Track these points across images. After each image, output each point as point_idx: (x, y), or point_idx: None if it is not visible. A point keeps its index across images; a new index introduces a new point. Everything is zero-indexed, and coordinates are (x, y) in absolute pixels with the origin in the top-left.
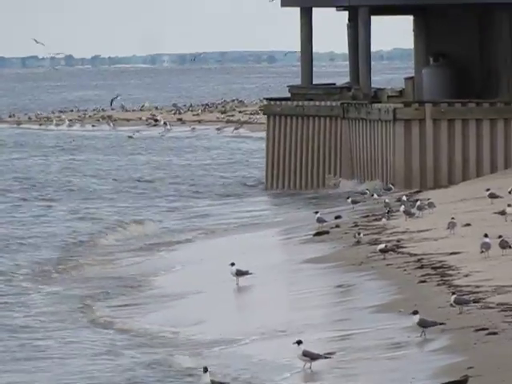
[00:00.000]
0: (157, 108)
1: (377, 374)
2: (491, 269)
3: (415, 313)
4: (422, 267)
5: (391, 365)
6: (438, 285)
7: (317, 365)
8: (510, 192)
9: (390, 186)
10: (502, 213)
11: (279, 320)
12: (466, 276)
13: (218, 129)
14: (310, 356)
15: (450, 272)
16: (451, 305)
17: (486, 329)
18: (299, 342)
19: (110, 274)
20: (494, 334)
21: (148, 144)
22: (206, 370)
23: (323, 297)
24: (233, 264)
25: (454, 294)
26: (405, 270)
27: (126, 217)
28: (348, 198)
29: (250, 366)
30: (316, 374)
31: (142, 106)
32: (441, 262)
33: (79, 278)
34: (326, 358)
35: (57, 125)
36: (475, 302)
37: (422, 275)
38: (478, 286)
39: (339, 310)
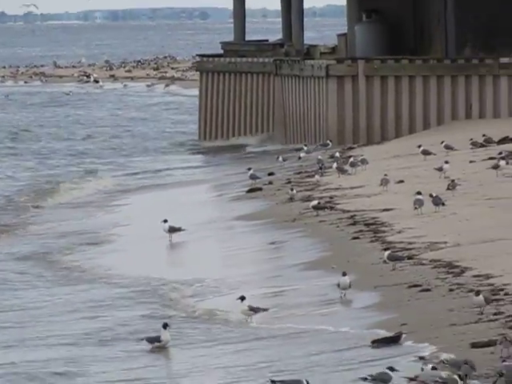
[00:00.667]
0: (89, 65)
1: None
2: (424, 225)
3: (344, 274)
4: (354, 224)
5: (324, 321)
6: (371, 241)
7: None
8: (442, 144)
9: (328, 141)
10: (440, 169)
11: (213, 276)
12: (399, 233)
13: (149, 85)
14: (255, 310)
15: (383, 229)
16: (384, 261)
17: (420, 285)
18: (242, 298)
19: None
20: (427, 290)
21: (83, 100)
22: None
23: (256, 254)
24: (165, 221)
25: (387, 250)
26: (338, 227)
27: (59, 177)
28: (278, 157)
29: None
30: (254, 328)
31: (79, 62)
32: (374, 218)
33: (27, 236)
34: (264, 310)
35: None
36: (409, 258)
37: (355, 232)
38: (410, 243)
39: (272, 266)
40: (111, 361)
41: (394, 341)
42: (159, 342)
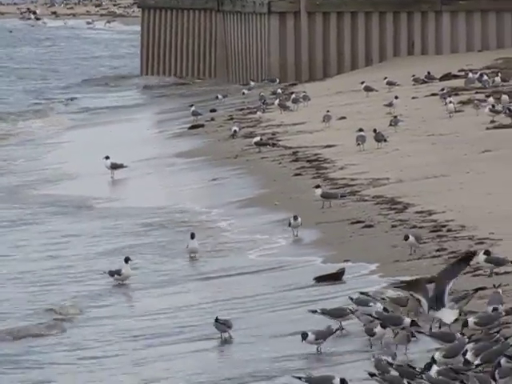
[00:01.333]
0: (32, 1)
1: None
2: (366, 162)
3: (295, 218)
4: (297, 160)
5: (267, 259)
6: (314, 178)
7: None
8: (385, 81)
9: (275, 78)
10: (390, 104)
11: (156, 213)
12: (342, 169)
13: (89, 22)
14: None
15: (326, 165)
16: (321, 196)
17: (362, 222)
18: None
19: None
20: (370, 226)
21: (26, 37)
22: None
23: (198, 190)
24: (107, 157)
25: (317, 187)
26: (280, 164)
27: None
28: (217, 96)
29: None
30: (198, 267)
31: None
32: (316, 155)
33: None
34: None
35: None
36: (351, 194)
37: (297, 168)
38: (353, 179)
39: (215, 202)
40: None
41: (336, 278)
42: (119, 275)
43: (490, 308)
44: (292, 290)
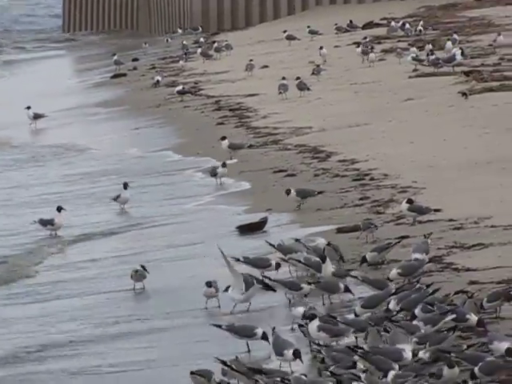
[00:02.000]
0: None
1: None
2: (289, 111)
3: (223, 165)
4: (219, 109)
5: (188, 210)
6: (236, 127)
7: None
8: (307, 29)
9: (198, 26)
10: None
11: (78, 163)
12: (264, 118)
13: None
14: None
15: (248, 114)
16: (228, 147)
17: (285, 171)
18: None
19: None
20: (293, 175)
21: None
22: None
23: (119, 140)
24: (29, 107)
25: (224, 138)
26: (203, 112)
27: None
28: (145, 43)
29: None
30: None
31: None
32: (239, 103)
33: None
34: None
35: None
36: (273, 143)
37: (220, 117)
38: (275, 128)
39: (136, 151)
40: None
41: (258, 227)
42: (52, 224)
43: (415, 256)
44: (216, 239)
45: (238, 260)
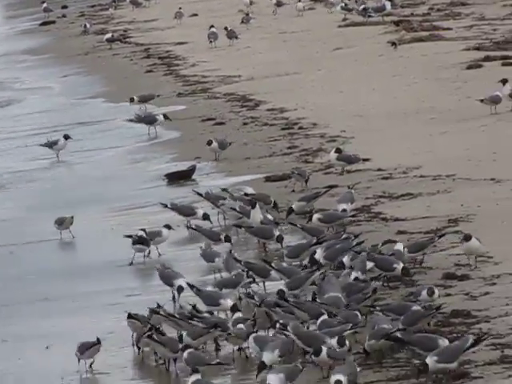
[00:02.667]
0: None
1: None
2: (218, 59)
3: (165, 117)
4: (148, 57)
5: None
6: (165, 75)
7: None
8: None
9: None
10: (251, 3)
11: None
12: (193, 66)
13: None
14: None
15: (177, 62)
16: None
17: (214, 119)
18: None
19: None
20: (221, 124)
21: None
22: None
23: (50, 86)
24: None
25: (132, 101)
26: (131, 60)
27: None
28: None
29: None
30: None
31: None
32: (168, 52)
33: None
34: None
35: None
36: (202, 92)
37: (149, 65)
38: (204, 76)
39: (64, 99)
40: None
41: (186, 175)
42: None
43: (340, 206)
44: (146, 190)
45: (165, 206)
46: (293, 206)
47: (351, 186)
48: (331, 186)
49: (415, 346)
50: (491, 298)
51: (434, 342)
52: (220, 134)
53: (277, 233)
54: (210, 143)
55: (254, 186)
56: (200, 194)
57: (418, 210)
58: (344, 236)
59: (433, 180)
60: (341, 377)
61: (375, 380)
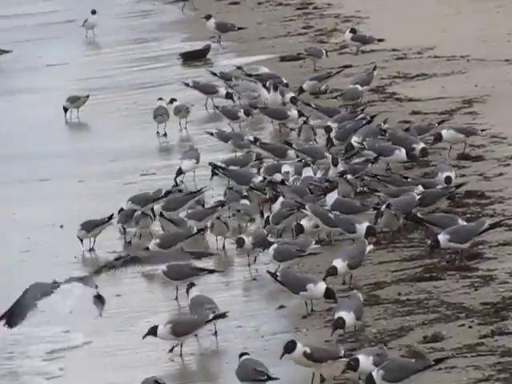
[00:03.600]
0: None
1: None
2: None
3: None
4: None
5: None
6: None
7: None
8: None
9: None
10: None
11: None
12: None
13: None
14: None
15: None
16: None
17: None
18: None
19: None
20: (236, 3)
21: None
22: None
23: None
24: None
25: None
26: None
27: None
28: None
29: None
30: None
31: None
32: None
33: None
34: None
35: None
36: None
37: None
38: None
39: None
40: None
41: (202, 54)
42: None
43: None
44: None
45: (187, 85)
46: (303, 86)
47: (374, 66)
48: (346, 66)
49: (435, 225)
50: (505, 178)
51: (454, 221)
52: (241, 11)
53: (293, 112)
54: (208, 18)
55: (269, 65)
56: (214, 74)
57: (432, 90)
58: (360, 116)
59: (447, 61)
60: (344, 314)
61: (388, 260)
